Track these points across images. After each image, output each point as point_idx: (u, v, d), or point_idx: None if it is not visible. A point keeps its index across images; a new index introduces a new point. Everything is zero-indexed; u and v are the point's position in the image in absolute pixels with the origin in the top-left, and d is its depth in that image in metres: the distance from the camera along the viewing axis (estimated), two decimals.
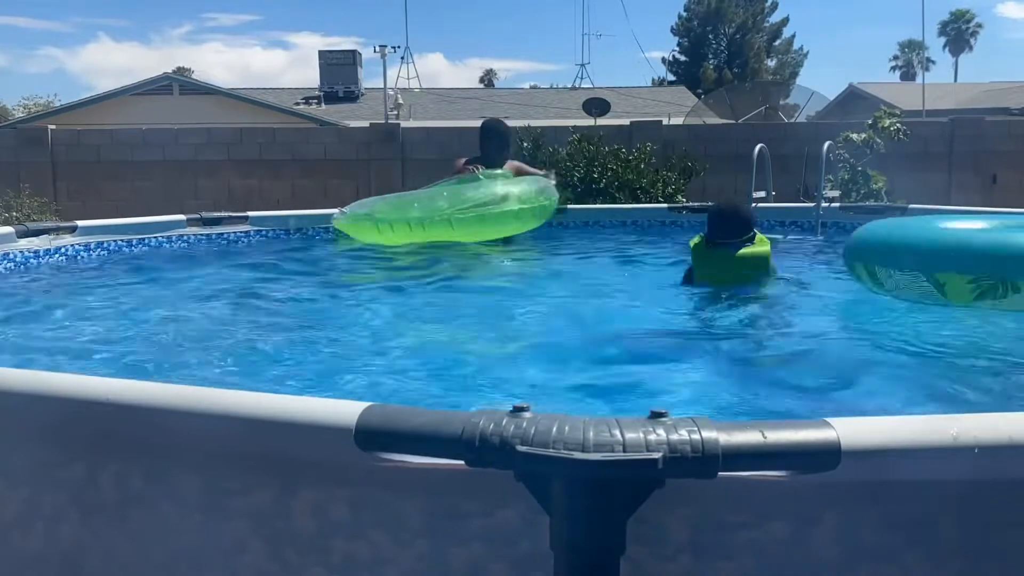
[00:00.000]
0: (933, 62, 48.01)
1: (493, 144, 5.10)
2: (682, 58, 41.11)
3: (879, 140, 7.99)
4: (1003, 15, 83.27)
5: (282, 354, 2.56)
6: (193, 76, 30.37)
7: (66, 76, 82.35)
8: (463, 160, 5.13)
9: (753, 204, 5.65)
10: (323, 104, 24.28)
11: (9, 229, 4.21)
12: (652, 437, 1.00)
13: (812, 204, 6.06)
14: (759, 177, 5.77)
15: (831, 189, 6.04)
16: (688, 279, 3.46)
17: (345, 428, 1.10)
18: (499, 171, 4.81)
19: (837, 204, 5.81)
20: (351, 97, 25.09)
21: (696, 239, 3.43)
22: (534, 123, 10.27)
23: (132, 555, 1.32)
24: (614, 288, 3.83)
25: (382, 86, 23.57)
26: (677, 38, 41.46)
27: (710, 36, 40.71)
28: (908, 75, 47.33)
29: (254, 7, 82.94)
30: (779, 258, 4.70)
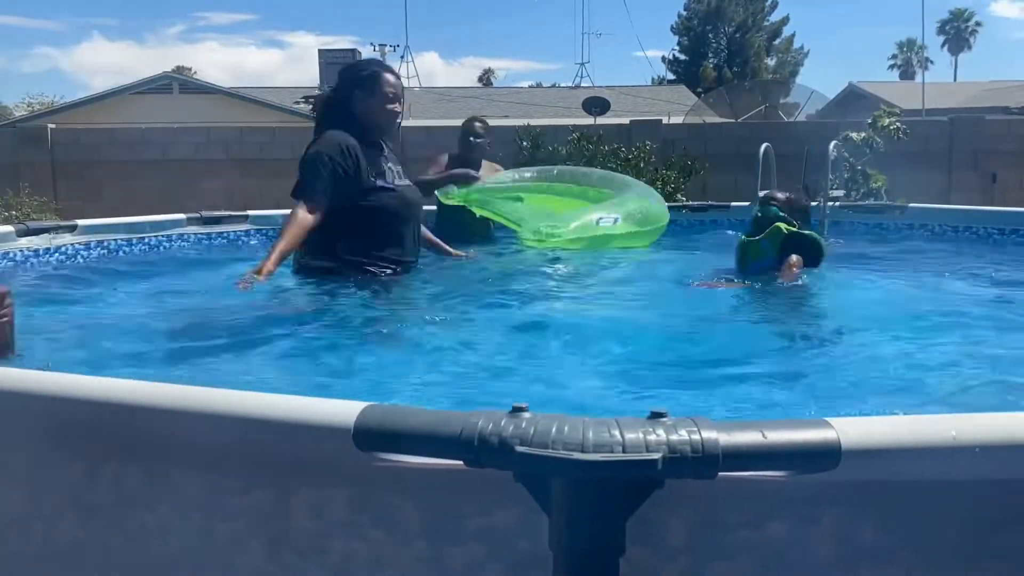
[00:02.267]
0: (932, 61, 48.06)
1: (460, 144, 5.21)
2: (682, 57, 41.15)
3: (879, 139, 8.00)
4: (997, 14, 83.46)
5: (282, 353, 2.56)
6: (194, 75, 30.38)
7: (61, 75, 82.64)
8: (444, 156, 5.21)
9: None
10: None
11: (9, 228, 4.21)
12: (652, 437, 1.00)
13: (814, 203, 6.05)
14: (764, 177, 5.78)
15: (836, 188, 6.05)
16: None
17: (343, 428, 1.10)
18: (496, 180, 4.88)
19: (838, 203, 5.82)
20: None
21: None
22: (534, 122, 10.27)
23: (130, 555, 1.32)
24: (614, 287, 3.83)
25: None
26: (677, 37, 41.51)
27: (710, 35, 40.75)
28: (907, 74, 47.36)
29: (248, 6, 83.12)
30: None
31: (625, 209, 4.54)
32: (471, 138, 5.22)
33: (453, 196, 4.68)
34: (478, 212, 4.63)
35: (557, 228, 4.22)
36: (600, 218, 4.40)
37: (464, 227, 4.82)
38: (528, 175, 5.14)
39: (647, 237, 4.60)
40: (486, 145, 5.27)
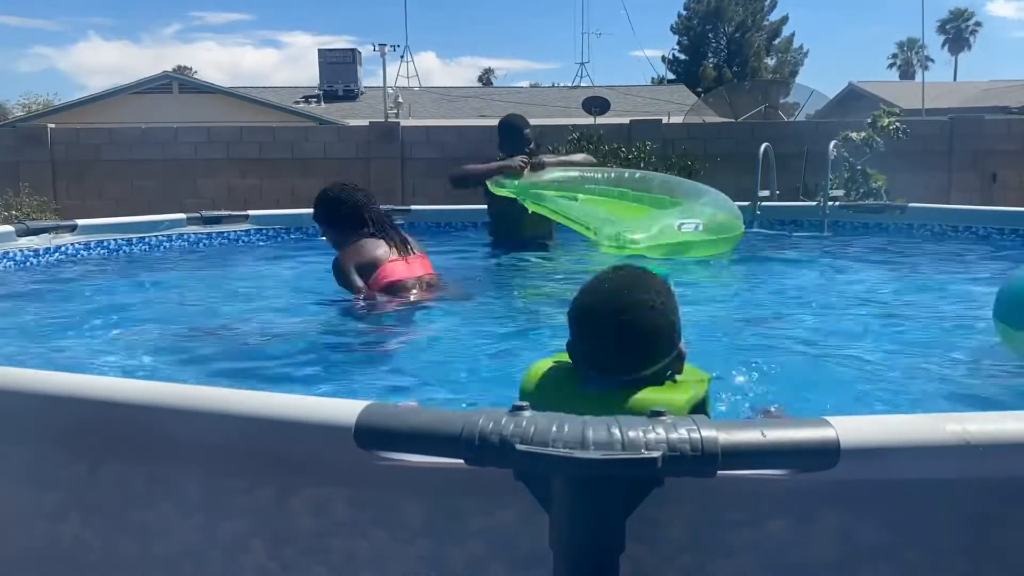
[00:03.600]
0: (932, 60, 48.02)
1: (505, 142, 4.96)
2: (682, 57, 41.13)
3: (878, 139, 7.99)
4: (993, 14, 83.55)
5: (282, 353, 2.56)
6: (194, 75, 30.40)
7: (58, 74, 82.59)
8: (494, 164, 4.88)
9: (758, 203, 5.65)
10: (323, 103, 24.28)
11: (9, 228, 4.21)
12: (651, 436, 1.00)
13: (814, 203, 6.06)
14: (764, 176, 5.78)
15: (835, 188, 6.04)
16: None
17: (344, 427, 1.10)
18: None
19: (838, 203, 5.82)
20: (351, 96, 25.09)
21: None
22: (534, 122, 10.25)
23: (133, 554, 1.32)
24: None
25: (381, 85, 23.61)
26: (677, 37, 41.51)
27: (710, 35, 40.74)
28: (907, 74, 47.34)
29: (244, 6, 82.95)
30: (786, 255, 4.72)
31: (705, 216, 4.41)
32: (525, 130, 4.94)
33: (506, 187, 4.48)
34: (531, 208, 4.42)
35: (637, 234, 4.11)
36: (681, 223, 4.28)
37: (518, 226, 4.56)
38: (591, 175, 4.95)
39: (724, 245, 4.43)
40: (535, 144, 4.99)
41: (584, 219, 4.35)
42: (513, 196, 4.49)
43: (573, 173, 4.93)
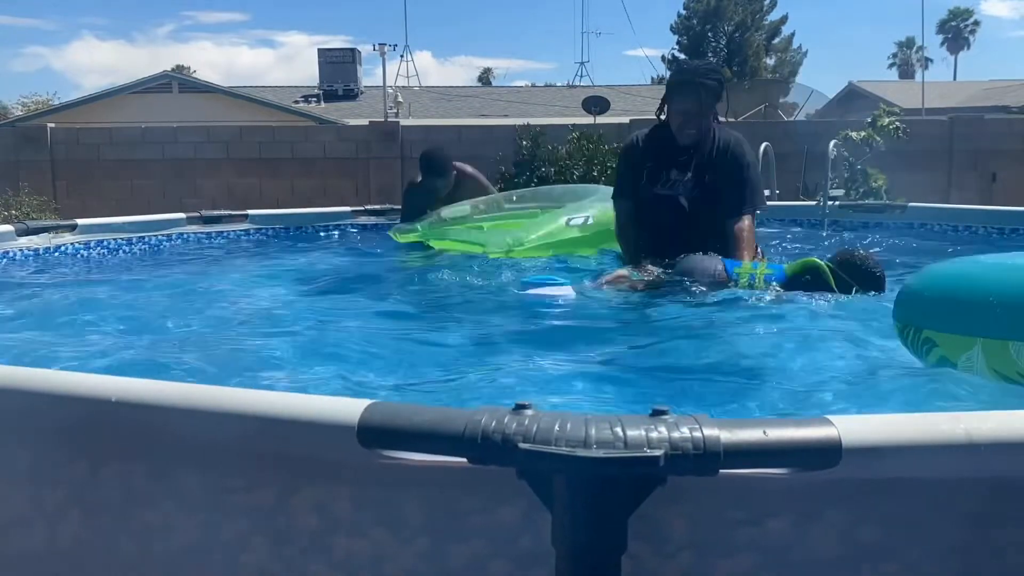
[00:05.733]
0: (931, 60, 48.03)
1: (428, 172, 5.03)
2: (681, 56, 41.13)
3: (878, 138, 8.00)
4: (987, 13, 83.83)
5: (283, 351, 2.56)
6: (194, 75, 30.39)
7: (53, 74, 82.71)
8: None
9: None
10: (322, 102, 24.28)
11: (9, 227, 4.22)
12: (654, 435, 1.01)
13: (813, 202, 6.06)
14: (764, 176, 5.78)
15: (835, 188, 6.04)
16: None
17: (347, 425, 1.10)
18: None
19: (838, 203, 5.82)
20: (350, 95, 25.11)
21: None
22: (533, 121, 10.28)
23: (134, 553, 1.32)
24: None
25: (381, 84, 23.62)
26: (676, 36, 41.53)
27: (709, 34, 40.75)
28: (906, 73, 47.38)
29: (239, 6, 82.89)
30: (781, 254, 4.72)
31: (594, 210, 4.43)
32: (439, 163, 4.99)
33: (411, 233, 4.56)
34: (436, 246, 4.54)
35: (520, 236, 4.17)
36: (570, 219, 4.33)
37: None
38: (483, 206, 4.95)
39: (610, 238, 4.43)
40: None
41: (479, 240, 4.41)
42: (418, 240, 4.57)
43: (463, 207, 4.95)
